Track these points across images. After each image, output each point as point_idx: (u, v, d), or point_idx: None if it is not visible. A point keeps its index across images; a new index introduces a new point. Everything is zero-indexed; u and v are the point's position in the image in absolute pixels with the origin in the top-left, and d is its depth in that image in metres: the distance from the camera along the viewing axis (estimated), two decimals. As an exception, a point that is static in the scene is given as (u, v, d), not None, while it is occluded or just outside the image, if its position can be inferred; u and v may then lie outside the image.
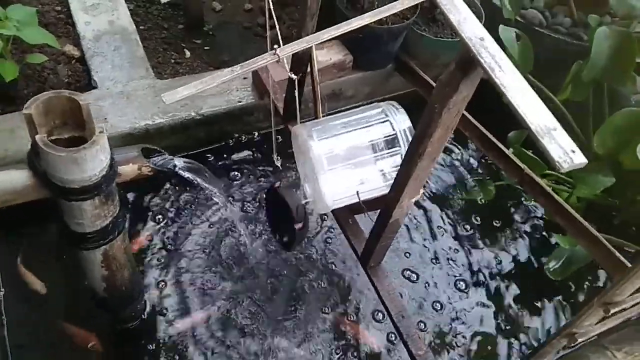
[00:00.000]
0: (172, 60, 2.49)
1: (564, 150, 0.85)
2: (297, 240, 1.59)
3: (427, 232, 2.16)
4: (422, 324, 1.90)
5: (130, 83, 2.06)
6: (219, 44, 2.65)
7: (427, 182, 2.33)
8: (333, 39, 2.26)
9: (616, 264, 1.55)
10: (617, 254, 1.57)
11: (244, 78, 2.21)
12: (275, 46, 0.96)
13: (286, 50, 0.94)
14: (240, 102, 2.12)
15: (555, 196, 1.75)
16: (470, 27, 0.97)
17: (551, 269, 1.98)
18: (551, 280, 2.00)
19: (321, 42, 2.23)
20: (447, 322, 1.92)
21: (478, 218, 2.24)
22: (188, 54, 2.56)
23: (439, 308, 1.95)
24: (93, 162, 1.13)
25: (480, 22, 2.36)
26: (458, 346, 1.87)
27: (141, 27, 2.59)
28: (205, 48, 2.62)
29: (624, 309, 1.43)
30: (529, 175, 1.83)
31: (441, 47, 2.26)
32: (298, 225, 1.49)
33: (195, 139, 2.12)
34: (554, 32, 2.29)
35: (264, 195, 1.82)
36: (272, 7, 1.18)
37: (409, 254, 2.08)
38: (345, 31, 0.97)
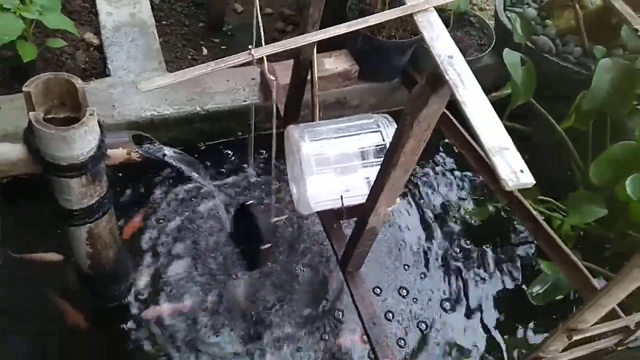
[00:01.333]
0: (189, 57, 2.58)
1: (512, 169, 0.89)
2: (261, 260, 1.63)
3: (416, 250, 2.19)
4: (402, 341, 1.94)
5: (142, 74, 2.15)
6: (236, 44, 2.73)
7: (425, 197, 2.36)
8: (342, 48, 2.33)
9: (592, 292, 1.55)
10: (595, 283, 1.58)
11: (252, 79, 2.27)
12: (250, 47, 1.01)
13: (261, 52, 0.99)
14: (245, 101, 2.19)
15: (541, 221, 1.76)
16: (441, 45, 1.02)
17: (534, 294, 1.98)
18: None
19: (329, 51, 2.30)
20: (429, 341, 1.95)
21: (471, 238, 2.26)
22: (205, 51, 2.64)
23: (423, 328, 1.98)
24: (82, 141, 1.20)
25: (490, 44, 2.38)
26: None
27: (163, 22, 2.69)
28: (223, 47, 2.70)
29: (590, 338, 1.44)
30: (517, 198, 1.85)
31: (448, 66, 2.29)
32: (265, 246, 1.53)
33: (199, 133, 2.19)
34: (563, 60, 2.31)
35: (233, 212, 1.85)
36: (258, 7, 1.24)
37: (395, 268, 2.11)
38: (322, 38, 1.02)
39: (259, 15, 1.29)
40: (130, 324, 1.80)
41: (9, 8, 1.88)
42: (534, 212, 1.80)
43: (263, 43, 1.07)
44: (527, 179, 0.88)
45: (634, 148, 1.89)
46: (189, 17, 2.79)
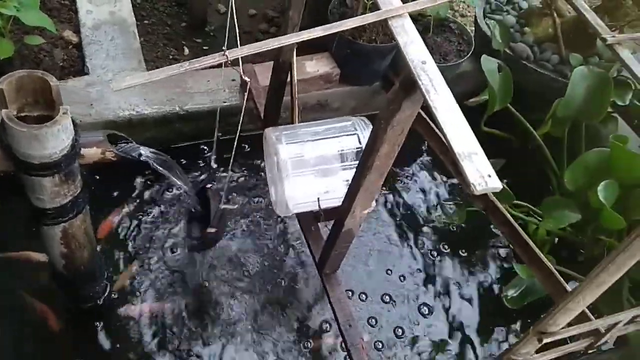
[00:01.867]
0: (170, 56, 2.56)
1: (480, 173, 0.90)
2: (206, 243, 1.64)
3: (396, 254, 2.20)
4: (379, 344, 1.95)
5: (121, 73, 2.13)
6: (218, 44, 2.72)
7: (403, 200, 2.37)
8: (324, 51, 2.34)
9: (564, 296, 1.58)
10: (567, 287, 1.61)
11: (233, 80, 2.27)
12: (224, 48, 1.02)
13: (235, 53, 0.99)
14: (225, 102, 2.18)
15: (515, 225, 1.79)
16: (414, 50, 1.03)
17: (509, 297, 2.01)
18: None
19: (311, 54, 2.31)
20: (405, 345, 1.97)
21: (447, 242, 2.28)
22: (187, 51, 2.63)
23: (400, 333, 1.99)
24: (55, 140, 1.19)
25: (469, 50, 2.41)
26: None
27: (145, 21, 2.67)
28: (204, 48, 2.69)
29: (562, 341, 1.46)
30: (493, 202, 1.87)
31: (428, 70, 2.31)
32: (211, 230, 1.54)
33: (178, 133, 2.19)
34: (540, 67, 2.34)
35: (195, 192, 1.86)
36: (234, 7, 1.24)
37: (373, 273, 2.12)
38: (295, 41, 1.03)
39: (235, 16, 1.29)
40: (105, 324, 1.78)
41: (-15, 4, 1.86)
42: (509, 217, 1.83)
43: (239, 44, 1.07)
44: (495, 183, 0.89)
45: (607, 155, 1.93)
46: (171, 17, 2.78)
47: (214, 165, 1.67)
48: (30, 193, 1.32)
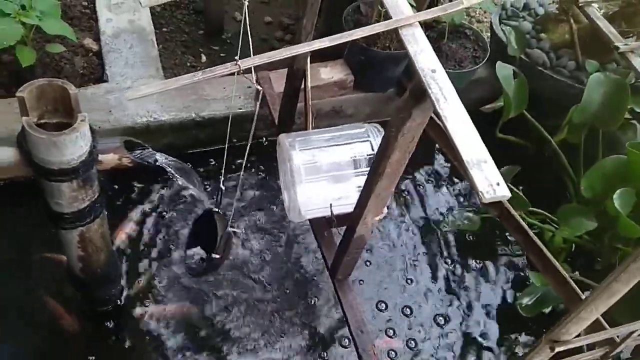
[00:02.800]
0: (188, 64, 2.60)
1: (489, 182, 0.90)
2: (208, 268, 1.63)
3: (411, 261, 2.20)
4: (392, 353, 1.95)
5: (139, 80, 2.17)
6: (234, 52, 2.74)
7: (416, 206, 2.37)
8: (336, 58, 2.35)
9: (578, 304, 1.56)
10: (582, 295, 1.59)
11: (248, 87, 2.30)
12: (237, 57, 1.04)
13: (247, 63, 1.01)
14: (240, 109, 2.21)
15: (529, 232, 1.77)
16: (424, 59, 1.04)
17: (523, 305, 1.99)
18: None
19: (325, 61, 2.33)
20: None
21: (462, 248, 2.27)
22: (204, 58, 2.67)
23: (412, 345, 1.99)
24: (73, 147, 1.22)
25: (485, 57, 2.40)
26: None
27: (164, 29, 2.72)
28: (222, 55, 2.73)
29: (578, 350, 1.45)
30: (507, 209, 1.86)
31: (443, 77, 2.31)
32: (216, 255, 1.54)
33: (194, 139, 2.22)
34: (556, 73, 2.33)
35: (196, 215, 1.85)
36: (247, 16, 1.27)
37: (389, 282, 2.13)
38: (305, 51, 1.04)
39: (248, 24, 1.32)
40: (120, 327, 1.81)
41: (9, 13, 1.91)
42: (523, 224, 1.82)
43: (252, 53, 1.09)
44: (503, 192, 0.89)
45: (624, 162, 1.90)
46: (189, 25, 2.82)
47: (223, 188, 1.65)
48: (49, 198, 1.35)
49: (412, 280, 2.13)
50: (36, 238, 1.94)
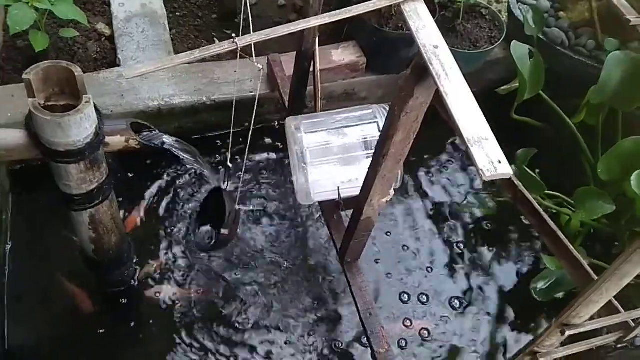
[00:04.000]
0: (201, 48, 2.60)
1: (490, 159, 0.88)
2: (217, 244, 1.65)
3: (425, 245, 2.18)
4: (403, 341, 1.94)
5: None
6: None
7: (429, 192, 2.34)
8: (350, 39, 2.32)
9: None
10: (596, 279, 1.55)
11: (259, 70, 2.28)
12: (234, 35, 1.03)
13: (245, 40, 1.00)
14: (251, 92, 2.20)
15: (544, 215, 1.74)
16: (426, 35, 1.01)
17: (537, 289, 1.96)
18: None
19: (337, 42, 2.30)
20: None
21: (478, 232, 2.24)
22: (217, 42, 2.67)
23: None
24: (77, 128, 1.23)
25: (501, 37, 2.34)
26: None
27: (177, 14, 2.71)
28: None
29: (592, 334, 1.42)
30: (522, 192, 1.82)
31: (457, 58, 2.25)
32: (224, 231, 1.55)
33: (206, 123, 2.22)
34: (576, 53, 2.26)
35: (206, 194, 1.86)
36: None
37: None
38: (302, 28, 1.03)
39: (249, 5, 1.30)
40: (133, 308, 1.84)
41: (22, -1, 1.93)
42: (537, 207, 1.78)
43: (252, 31, 1.08)
44: (505, 169, 0.87)
45: (645, 143, 1.85)
46: (202, 9, 2.81)
47: (229, 165, 1.67)
48: (58, 180, 1.37)
49: (420, 262, 2.12)
50: (53, 221, 1.98)
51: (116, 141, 1.37)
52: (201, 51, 0.98)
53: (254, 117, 1.44)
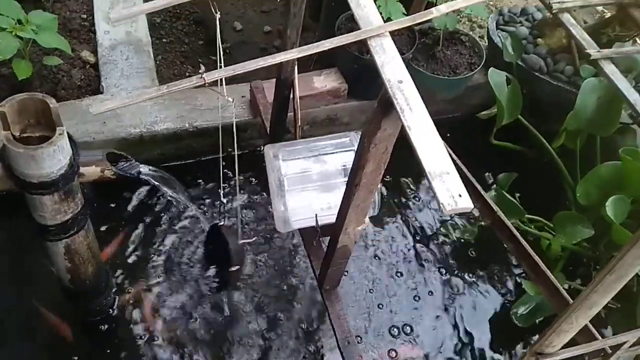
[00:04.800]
0: (187, 74, 2.62)
1: (450, 193, 0.89)
2: (229, 281, 1.66)
3: (406, 270, 2.18)
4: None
5: (134, 92, 2.20)
6: (233, 62, 2.77)
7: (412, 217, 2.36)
8: (331, 67, 2.35)
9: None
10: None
11: (242, 96, 2.31)
12: (202, 70, 1.04)
13: (212, 76, 1.02)
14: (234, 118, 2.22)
15: (522, 240, 1.75)
16: (391, 70, 1.03)
17: (518, 315, 1.96)
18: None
19: (319, 69, 2.33)
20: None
21: (459, 257, 2.25)
22: (203, 68, 2.69)
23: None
24: (51, 160, 1.24)
25: (480, 63, 2.37)
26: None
27: (164, 40, 2.75)
28: (220, 65, 2.75)
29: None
30: (500, 218, 1.84)
31: (437, 84, 2.31)
32: (234, 268, 1.56)
33: (188, 150, 2.23)
34: (554, 79, 2.30)
35: (206, 231, 1.87)
36: (219, 29, 1.28)
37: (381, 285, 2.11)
38: (271, 63, 1.04)
39: (219, 37, 1.33)
40: (112, 337, 1.83)
41: (5, 27, 1.95)
42: (515, 232, 1.79)
43: (222, 65, 1.10)
44: (465, 204, 0.88)
45: (619, 168, 1.87)
46: (188, 35, 2.85)
47: (224, 200, 1.68)
48: (32, 210, 1.37)
49: (403, 287, 2.12)
50: (33, 247, 1.97)
51: (91, 171, 1.38)
52: (169, 86, 0.99)
53: (235, 144, 1.44)
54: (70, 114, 2.08)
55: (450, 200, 0.88)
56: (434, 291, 2.13)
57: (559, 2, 1.11)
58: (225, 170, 2.16)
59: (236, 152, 1.56)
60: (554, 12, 1.09)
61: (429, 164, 0.92)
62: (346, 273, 2.03)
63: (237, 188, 1.53)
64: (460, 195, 0.89)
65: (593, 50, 1.06)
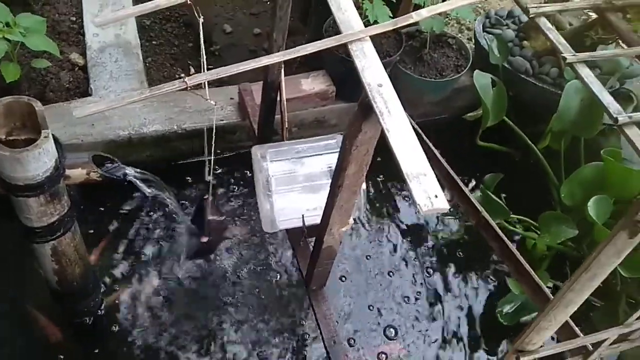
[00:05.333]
0: (176, 76, 2.63)
1: (427, 194, 0.91)
2: (200, 252, 1.69)
3: (394, 269, 2.20)
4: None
5: (122, 94, 2.21)
6: (222, 64, 2.78)
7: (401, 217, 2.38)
8: (319, 69, 2.37)
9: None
10: (555, 304, 1.58)
11: (231, 98, 2.32)
12: (183, 75, 1.06)
13: (194, 80, 1.03)
14: (222, 120, 2.24)
15: (505, 240, 1.77)
16: (371, 74, 1.05)
17: (503, 313, 1.98)
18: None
19: (307, 72, 2.35)
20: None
21: (446, 257, 2.27)
22: (193, 71, 2.70)
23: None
24: (37, 163, 1.25)
25: (467, 65, 2.39)
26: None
27: (154, 42, 2.76)
28: (209, 67, 2.75)
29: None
30: (485, 218, 1.86)
31: (424, 87, 2.33)
32: (204, 239, 1.59)
33: (177, 152, 2.24)
34: (539, 81, 2.32)
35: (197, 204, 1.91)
36: (202, 32, 1.29)
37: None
38: (255, 67, 1.06)
39: (203, 41, 1.34)
40: (100, 338, 1.84)
41: (-7, 31, 1.96)
42: (499, 232, 1.82)
43: (205, 69, 1.12)
44: (441, 204, 0.90)
45: (602, 169, 1.90)
46: (178, 38, 2.86)
47: (209, 178, 1.71)
48: (19, 213, 1.38)
49: (390, 287, 2.14)
50: (22, 249, 1.97)
51: (77, 174, 1.39)
52: (151, 90, 1.01)
53: (212, 144, 1.45)
54: (58, 116, 2.09)
55: (426, 201, 0.90)
56: (420, 291, 2.15)
57: (536, 7, 1.14)
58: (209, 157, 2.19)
59: (213, 139, 1.56)
60: (530, 16, 1.11)
61: (407, 166, 0.94)
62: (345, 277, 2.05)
63: (211, 169, 1.57)
64: (436, 196, 0.91)
65: (569, 54, 1.08)
